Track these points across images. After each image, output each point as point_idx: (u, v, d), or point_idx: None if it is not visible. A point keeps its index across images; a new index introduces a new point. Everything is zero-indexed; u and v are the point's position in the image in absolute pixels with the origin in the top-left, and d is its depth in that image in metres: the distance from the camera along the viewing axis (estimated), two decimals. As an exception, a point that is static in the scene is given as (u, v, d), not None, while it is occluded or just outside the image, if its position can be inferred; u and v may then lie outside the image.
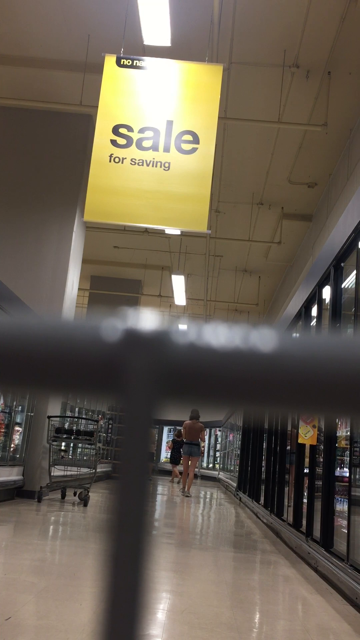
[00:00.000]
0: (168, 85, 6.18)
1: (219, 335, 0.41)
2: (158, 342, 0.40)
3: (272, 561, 5.17)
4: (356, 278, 4.30)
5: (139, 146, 6.07)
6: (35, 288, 8.51)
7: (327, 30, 6.70)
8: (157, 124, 6.10)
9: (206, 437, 25.27)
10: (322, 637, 2.92)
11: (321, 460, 5.04)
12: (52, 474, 8.20)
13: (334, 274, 4.99)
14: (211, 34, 6.70)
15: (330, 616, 3.37)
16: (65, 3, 6.82)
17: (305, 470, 5.94)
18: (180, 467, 16.40)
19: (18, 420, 8.15)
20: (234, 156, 9.49)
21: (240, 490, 13.07)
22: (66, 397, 0.42)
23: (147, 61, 6.24)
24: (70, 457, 11.10)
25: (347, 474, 4.31)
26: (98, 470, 9.81)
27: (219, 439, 24.40)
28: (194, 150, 6.06)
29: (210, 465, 25.07)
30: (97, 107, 6.21)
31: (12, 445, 7.93)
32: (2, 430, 7.57)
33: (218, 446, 24.56)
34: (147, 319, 0.41)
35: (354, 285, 4.48)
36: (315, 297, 5.93)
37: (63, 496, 8.62)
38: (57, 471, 8.46)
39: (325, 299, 5.59)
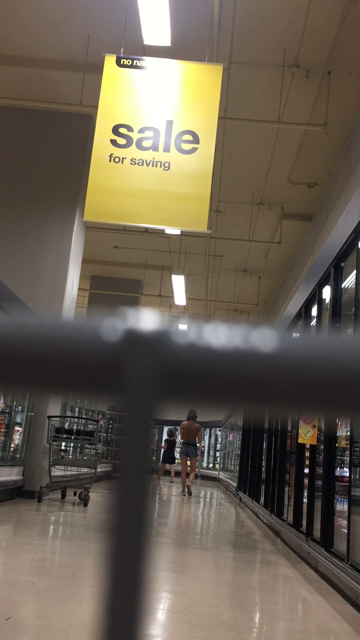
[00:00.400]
0: (168, 85, 6.18)
1: (219, 335, 0.41)
2: (158, 342, 0.40)
3: (272, 561, 5.17)
4: (356, 278, 4.30)
5: (139, 146, 6.07)
6: (35, 288, 8.51)
7: (327, 30, 6.70)
8: (157, 123, 6.10)
9: (206, 437, 25.27)
10: (322, 637, 2.92)
11: (321, 460, 5.04)
12: (52, 474, 8.20)
13: (334, 274, 4.99)
14: (211, 33, 6.70)
15: (330, 616, 3.37)
16: (65, 3, 6.82)
17: (305, 470, 5.94)
18: (178, 467, 16.41)
19: (18, 420, 8.15)
20: (234, 156, 9.49)
21: (241, 490, 13.07)
22: (66, 397, 0.42)
23: (147, 61, 6.24)
24: (70, 457, 11.10)
25: (347, 474, 4.31)
26: (98, 470, 9.81)
27: (219, 439, 24.40)
28: (194, 150, 6.06)
29: (211, 465, 25.08)
30: (97, 107, 6.20)
31: (12, 445, 7.93)
32: (2, 430, 7.57)
33: (218, 446, 24.57)
34: (147, 319, 0.41)
35: (354, 285, 4.48)
36: (315, 297, 5.93)
37: (63, 496, 8.62)
38: (57, 471, 8.46)
39: (325, 299, 5.59)
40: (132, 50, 7.10)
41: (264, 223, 11.55)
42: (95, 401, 0.44)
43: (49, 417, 8.36)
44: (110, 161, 6.06)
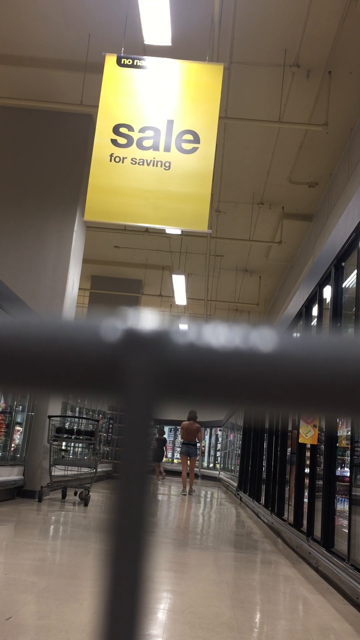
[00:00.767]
0: (169, 84, 6.18)
1: (219, 335, 0.41)
2: (158, 342, 0.40)
3: (272, 561, 5.17)
4: (357, 278, 4.30)
5: (140, 146, 6.07)
6: (35, 288, 8.51)
7: (328, 29, 6.70)
8: (158, 123, 6.09)
9: (206, 437, 25.27)
10: (322, 637, 2.92)
11: (322, 460, 5.03)
12: (52, 473, 8.20)
13: (335, 274, 4.99)
14: (212, 33, 6.70)
15: (331, 616, 3.37)
16: (65, 3, 6.82)
17: (306, 470, 5.94)
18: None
19: (19, 420, 8.15)
20: (235, 156, 9.49)
21: (241, 490, 13.07)
22: (67, 397, 0.42)
23: (148, 61, 6.24)
24: (70, 456, 11.11)
25: (348, 474, 4.30)
26: (98, 470, 9.81)
27: (220, 439, 24.40)
28: (194, 149, 6.05)
29: (211, 465, 25.07)
30: (98, 106, 6.20)
31: (13, 445, 7.93)
32: (3, 430, 7.57)
33: (219, 446, 24.56)
34: (147, 319, 0.41)
35: (354, 285, 4.48)
36: (315, 296, 5.93)
37: (64, 496, 8.62)
38: (57, 471, 8.46)
39: (326, 299, 5.59)
40: (133, 50, 7.10)
41: (265, 223, 11.55)
42: (96, 401, 0.44)
43: (50, 416, 8.37)
44: (110, 161, 6.06)
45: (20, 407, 8.20)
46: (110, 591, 0.38)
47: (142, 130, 6.09)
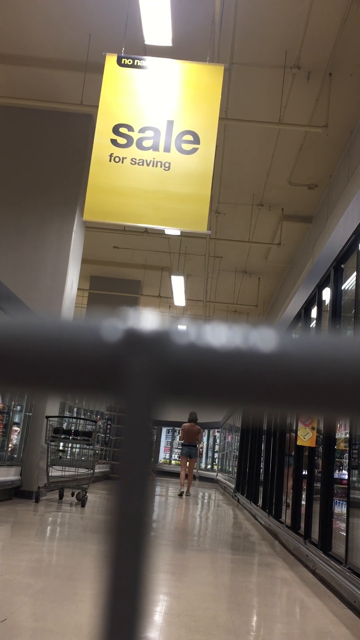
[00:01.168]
0: (169, 85, 6.18)
1: (219, 335, 0.41)
2: (158, 342, 0.40)
3: (270, 563, 5.16)
4: (356, 280, 4.30)
5: (140, 146, 6.07)
6: (34, 288, 8.51)
7: (329, 31, 6.70)
8: (158, 123, 6.09)
9: (204, 439, 25.27)
10: (319, 640, 2.91)
11: (320, 462, 5.03)
12: (49, 474, 8.19)
13: (334, 276, 4.99)
14: (212, 34, 6.70)
15: (328, 620, 3.36)
16: (65, 3, 6.82)
17: (303, 472, 5.93)
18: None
19: (16, 420, 8.14)
20: (235, 157, 9.49)
21: (239, 491, 13.06)
22: (66, 397, 0.42)
23: (148, 61, 6.24)
24: (68, 457, 11.10)
25: (346, 477, 4.30)
26: (96, 471, 9.80)
27: (218, 440, 24.39)
28: (194, 150, 6.05)
29: (209, 467, 25.07)
30: (98, 106, 6.20)
31: (10, 445, 7.92)
32: (0, 430, 7.56)
33: (216, 447, 24.56)
34: (147, 320, 0.41)
35: (354, 287, 4.48)
36: (315, 298, 5.93)
37: (61, 497, 8.61)
38: (55, 471, 8.46)
39: (325, 301, 5.59)
40: (133, 50, 7.10)
41: (264, 224, 11.55)
42: (94, 401, 0.44)
43: (47, 417, 8.36)
44: (110, 161, 6.06)
45: (18, 407, 8.19)
46: (109, 593, 0.38)
47: (142, 130, 6.09)
